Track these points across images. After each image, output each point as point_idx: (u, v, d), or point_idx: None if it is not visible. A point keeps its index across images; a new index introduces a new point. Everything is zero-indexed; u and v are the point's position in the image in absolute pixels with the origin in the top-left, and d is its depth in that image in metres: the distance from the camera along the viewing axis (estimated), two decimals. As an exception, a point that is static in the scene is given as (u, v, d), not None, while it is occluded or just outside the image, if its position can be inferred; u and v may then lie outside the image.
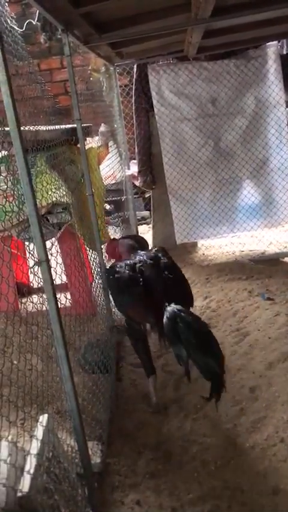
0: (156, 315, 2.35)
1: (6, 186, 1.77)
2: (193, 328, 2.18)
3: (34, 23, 4.02)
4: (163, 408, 2.64)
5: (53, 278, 1.73)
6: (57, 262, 2.38)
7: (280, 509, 1.91)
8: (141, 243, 3.01)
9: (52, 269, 1.75)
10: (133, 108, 4.90)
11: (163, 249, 2.77)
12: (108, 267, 2.84)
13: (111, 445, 2.35)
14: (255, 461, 2.16)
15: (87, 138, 3.63)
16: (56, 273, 2.02)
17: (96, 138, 4.59)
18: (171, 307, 2.27)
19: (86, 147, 3.04)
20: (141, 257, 2.65)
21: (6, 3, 2.38)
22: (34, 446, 1.67)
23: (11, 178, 1.79)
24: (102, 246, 3.14)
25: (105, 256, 3.14)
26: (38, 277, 1.75)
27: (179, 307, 2.27)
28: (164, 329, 2.28)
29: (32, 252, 1.79)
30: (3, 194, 1.76)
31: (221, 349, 2.19)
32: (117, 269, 2.63)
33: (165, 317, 2.27)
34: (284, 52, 4.89)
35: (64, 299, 3.20)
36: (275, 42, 4.58)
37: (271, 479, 2.04)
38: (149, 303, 2.44)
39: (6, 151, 1.88)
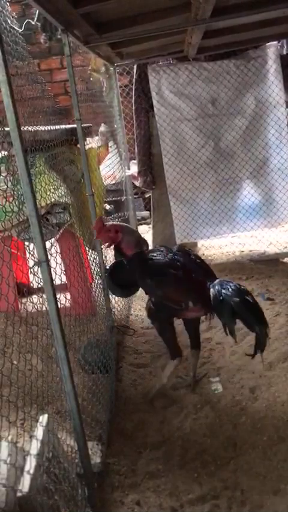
0: (199, 291, 2.55)
1: (6, 186, 1.77)
2: (241, 292, 2.44)
3: (33, 23, 4.01)
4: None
5: (53, 278, 1.73)
6: (57, 263, 2.37)
7: (280, 509, 1.91)
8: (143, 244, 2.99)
9: (52, 269, 1.75)
10: (133, 108, 4.90)
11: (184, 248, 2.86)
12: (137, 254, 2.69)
13: (111, 445, 2.35)
14: (256, 461, 2.16)
15: (87, 138, 3.63)
16: (55, 273, 2.02)
17: (96, 138, 4.59)
18: (219, 280, 2.54)
19: (86, 147, 3.04)
20: (166, 250, 2.72)
21: (7, 3, 2.38)
22: (34, 447, 1.67)
23: (11, 178, 1.79)
24: (102, 246, 3.13)
25: (94, 235, 2.86)
26: (38, 277, 1.75)
27: (225, 280, 2.55)
28: (213, 301, 2.48)
29: (32, 252, 1.79)
30: (3, 194, 1.76)
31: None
32: (149, 255, 2.68)
33: (215, 290, 2.48)
34: (284, 52, 4.89)
35: (64, 299, 3.21)
36: (275, 43, 4.58)
37: (271, 480, 2.04)
38: (191, 281, 2.60)
39: (6, 152, 1.88)
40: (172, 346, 2.74)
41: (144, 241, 2.88)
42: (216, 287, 2.50)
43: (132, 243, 2.70)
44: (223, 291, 2.45)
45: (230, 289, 2.45)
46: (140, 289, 2.88)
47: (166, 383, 2.76)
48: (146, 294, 2.77)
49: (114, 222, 2.83)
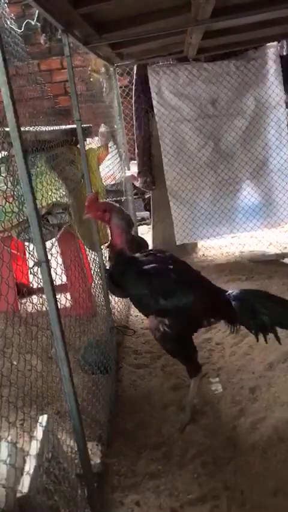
0: (223, 305, 2.47)
1: (6, 187, 1.77)
2: (268, 296, 2.45)
3: (33, 23, 4.02)
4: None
5: (53, 279, 1.73)
6: (57, 263, 2.37)
7: (280, 510, 1.90)
8: (142, 244, 2.99)
9: (52, 270, 1.75)
10: (133, 108, 4.90)
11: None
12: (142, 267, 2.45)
13: (110, 445, 2.35)
14: (255, 462, 2.16)
15: (87, 139, 3.63)
16: (55, 273, 2.02)
17: (96, 138, 4.60)
18: (237, 291, 2.48)
19: (86, 148, 3.04)
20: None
21: (6, 4, 2.38)
22: (34, 447, 1.67)
23: (11, 178, 1.79)
24: (102, 247, 3.14)
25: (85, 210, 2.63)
26: (38, 277, 1.75)
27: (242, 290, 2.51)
28: (239, 312, 2.42)
29: (31, 253, 1.79)
30: (3, 195, 1.76)
31: None
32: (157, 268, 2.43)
33: (238, 302, 2.43)
34: (284, 53, 4.89)
35: (64, 300, 3.21)
36: (275, 43, 4.58)
37: (271, 480, 2.04)
38: (212, 296, 2.52)
39: (6, 152, 1.88)
40: (193, 363, 2.53)
41: (145, 242, 2.88)
42: (242, 299, 2.44)
43: (121, 228, 2.46)
44: (255, 305, 2.41)
45: (260, 304, 2.41)
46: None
47: (195, 402, 2.61)
48: (148, 312, 2.49)
49: (107, 201, 2.71)
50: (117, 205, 2.56)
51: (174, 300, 2.37)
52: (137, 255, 2.54)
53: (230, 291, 2.52)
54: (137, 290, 2.43)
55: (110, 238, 2.52)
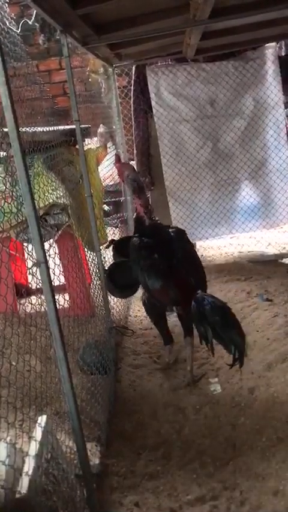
0: (185, 299, 2.63)
1: (4, 187, 1.77)
2: (218, 309, 2.51)
3: (30, 23, 4.02)
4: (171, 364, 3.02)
5: (52, 279, 1.73)
6: (55, 264, 2.37)
7: (279, 510, 1.90)
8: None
9: (51, 270, 1.75)
10: (132, 109, 4.90)
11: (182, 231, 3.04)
12: (135, 241, 2.84)
13: (110, 446, 2.35)
14: (254, 462, 2.16)
15: (86, 139, 3.63)
16: (54, 274, 2.02)
17: (95, 139, 4.60)
18: (200, 293, 2.60)
19: (85, 148, 3.04)
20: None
21: (6, 4, 2.38)
22: (33, 448, 1.66)
23: (10, 179, 1.79)
24: (101, 247, 3.14)
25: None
26: (37, 278, 1.75)
27: (206, 294, 2.65)
28: (192, 312, 2.56)
29: (30, 253, 1.79)
30: (1, 195, 1.76)
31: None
32: (143, 246, 2.78)
33: (193, 302, 2.55)
34: (283, 53, 4.90)
35: (63, 300, 3.21)
36: (273, 44, 4.59)
37: (270, 481, 2.04)
38: (179, 287, 2.71)
39: (5, 153, 1.88)
40: (164, 334, 3.04)
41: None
42: (199, 304, 2.55)
43: (133, 189, 2.90)
44: (205, 307, 2.51)
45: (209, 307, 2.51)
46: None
47: (168, 361, 3.05)
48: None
49: (126, 162, 3.21)
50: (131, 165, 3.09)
51: (149, 280, 2.74)
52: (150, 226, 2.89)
53: (199, 292, 2.62)
54: (132, 255, 2.83)
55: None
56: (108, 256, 3.41)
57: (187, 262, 2.84)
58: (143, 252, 2.78)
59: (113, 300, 3.43)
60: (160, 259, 2.74)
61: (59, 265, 2.98)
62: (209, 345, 2.51)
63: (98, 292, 3.13)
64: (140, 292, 3.19)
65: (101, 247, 3.10)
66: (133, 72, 4.80)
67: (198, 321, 2.54)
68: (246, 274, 4.38)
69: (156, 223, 2.94)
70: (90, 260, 3.12)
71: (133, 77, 4.80)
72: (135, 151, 4.96)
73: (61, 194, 3.04)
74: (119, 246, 3.22)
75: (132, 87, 4.85)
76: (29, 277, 1.97)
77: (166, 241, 2.85)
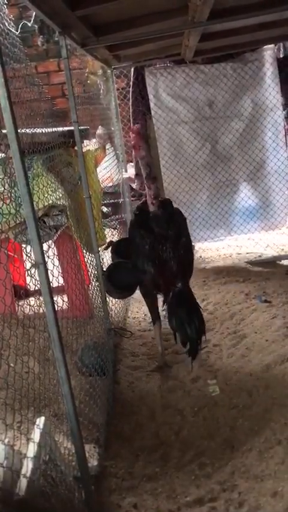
0: (165, 289, 2.86)
1: (3, 189, 1.77)
2: (183, 306, 2.74)
3: (29, 24, 4.02)
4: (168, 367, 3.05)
5: (50, 280, 1.73)
6: (54, 265, 2.37)
7: (277, 511, 1.90)
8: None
9: (49, 271, 1.75)
10: (130, 111, 4.91)
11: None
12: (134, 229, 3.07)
13: (108, 447, 2.35)
14: (253, 463, 2.15)
15: (85, 141, 3.63)
16: (53, 275, 2.02)
17: (94, 140, 4.60)
18: (179, 287, 2.81)
19: (83, 150, 3.04)
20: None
21: (5, 6, 2.38)
22: (31, 449, 1.66)
23: (8, 180, 1.79)
24: (100, 249, 3.14)
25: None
26: (35, 279, 1.75)
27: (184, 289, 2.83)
28: (168, 304, 2.80)
29: (29, 255, 1.79)
30: (0, 196, 1.76)
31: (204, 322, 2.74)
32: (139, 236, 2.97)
33: (171, 293, 2.79)
34: (281, 55, 4.91)
35: (61, 301, 3.20)
36: (271, 46, 4.60)
37: (269, 482, 2.04)
38: (161, 278, 2.89)
39: (3, 154, 1.88)
40: (152, 312, 3.14)
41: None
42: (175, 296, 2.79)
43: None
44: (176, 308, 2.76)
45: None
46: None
47: (161, 350, 3.10)
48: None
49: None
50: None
51: (142, 264, 2.93)
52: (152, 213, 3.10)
53: (178, 286, 2.83)
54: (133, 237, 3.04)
55: None
56: (106, 257, 3.41)
57: (176, 253, 2.94)
58: (138, 238, 2.98)
59: (111, 302, 3.42)
60: (151, 248, 2.91)
61: (57, 266, 2.98)
62: (176, 335, 2.72)
63: (96, 293, 3.13)
64: (138, 293, 3.20)
65: (99, 249, 3.10)
66: (132, 74, 4.80)
67: (169, 311, 2.78)
68: (245, 276, 4.38)
69: (158, 213, 3.10)
70: (88, 261, 3.12)
71: (132, 79, 4.80)
72: (133, 153, 4.96)
73: (60, 195, 3.04)
74: (117, 247, 3.23)
75: (130, 89, 4.85)
76: (28, 279, 1.96)
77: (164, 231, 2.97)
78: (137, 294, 3.26)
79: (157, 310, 3.12)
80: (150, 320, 3.26)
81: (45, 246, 2.27)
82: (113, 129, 4.86)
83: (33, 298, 2.42)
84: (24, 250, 2.58)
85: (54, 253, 2.99)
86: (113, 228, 4.87)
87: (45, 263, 1.70)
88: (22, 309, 3.35)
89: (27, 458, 1.61)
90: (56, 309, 1.76)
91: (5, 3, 2.43)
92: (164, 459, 2.28)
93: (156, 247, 2.90)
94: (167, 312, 2.82)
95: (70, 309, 3.22)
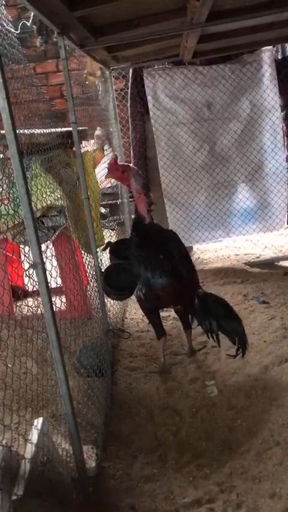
0: (186, 297, 2.84)
1: (1, 189, 1.77)
2: (221, 304, 2.80)
3: (28, 24, 4.02)
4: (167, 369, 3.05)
5: (48, 281, 1.73)
6: (52, 266, 2.37)
7: (275, 513, 1.90)
8: None
9: (47, 272, 1.75)
10: (129, 112, 4.91)
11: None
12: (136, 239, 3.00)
13: (106, 449, 2.34)
14: (251, 464, 2.15)
15: (83, 142, 3.63)
16: (51, 276, 2.02)
17: (92, 141, 4.59)
18: (201, 291, 2.86)
19: (82, 151, 3.04)
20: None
21: (3, 6, 2.38)
22: (29, 451, 1.66)
23: (6, 181, 1.79)
24: (98, 250, 3.13)
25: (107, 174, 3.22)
26: (33, 280, 1.75)
27: (207, 292, 2.89)
28: (196, 308, 2.80)
29: (27, 255, 1.78)
30: (-2, 197, 1.76)
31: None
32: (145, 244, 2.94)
33: (196, 299, 2.79)
34: (279, 57, 4.92)
35: (59, 302, 3.20)
36: (270, 47, 4.60)
37: (267, 483, 2.04)
38: (181, 286, 2.87)
39: (2, 154, 1.88)
40: (157, 327, 3.08)
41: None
42: (203, 300, 2.80)
43: (138, 188, 2.94)
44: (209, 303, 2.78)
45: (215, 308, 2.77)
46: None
47: (163, 361, 3.06)
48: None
49: (125, 163, 3.15)
50: (135, 168, 3.08)
51: (151, 277, 2.87)
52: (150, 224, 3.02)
53: (200, 290, 2.89)
54: (134, 252, 2.96)
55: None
56: (105, 258, 3.40)
57: (184, 262, 2.98)
58: (145, 250, 2.92)
59: (109, 303, 3.42)
60: (164, 258, 2.87)
61: (55, 267, 2.98)
62: (215, 336, 2.74)
63: (94, 294, 3.13)
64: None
65: (97, 250, 3.10)
66: (130, 75, 4.80)
67: (203, 315, 2.77)
68: (243, 277, 4.39)
69: (155, 224, 3.10)
70: (87, 262, 3.12)
71: (130, 80, 4.81)
72: (132, 154, 4.96)
73: (58, 196, 3.04)
74: (115, 249, 3.23)
75: (129, 90, 4.85)
76: (26, 279, 1.96)
77: (164, 241, 2.98)
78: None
79: (162, 326, 3.11)
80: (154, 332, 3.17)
81: (43, 247, 2.27)
82: (111, 130, 4.86)
83: (31, 299, 2.42)
84: (23, 250, 2.58)
85: (52, 254, 2.99)
86: (111, 229, 4.86)
87: (43, 264, 1.70)
88: (20, 309, 3.35)
89: (25, 459, 1.61)
90: (54, 309, 1.76)
91: (4, 4, 2.43)
92: (162, 460, 2.28)
93: (170, 258, 2.90)
94: (198, 318, 2.81)
95: (68, 309, 3.22)
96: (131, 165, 3.12)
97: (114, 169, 2.99)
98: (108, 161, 3.10)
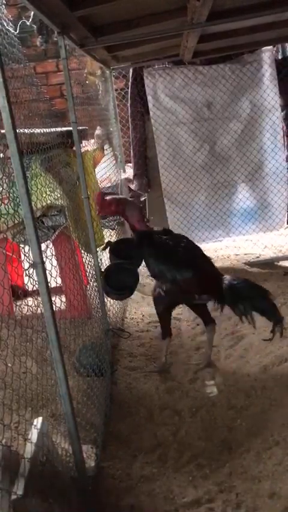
0: (214, 286, 2.86)
1: (1, 188, 1.77)
2: (250, 285, 2.89)
3: (28, 23, 4.01)
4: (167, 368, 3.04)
5: (48, 281, 1.73)
6: (52, 265, 2.37)
7: (275, 512, 1.90)
8: None
9: (47, 272, 1.75)
10: (129, 111, 4.91)
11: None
12: (146, 235, 2.90)
13: (105, 448, 2.34)
14: (250, 464, 2.16)
15: (83, 141, 3.63)
16: (51, 275, 2.02)
17: (92, 141, 4.59)
18: (227, 277, 2.90)
19: (82, 150, 3.03)
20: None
21: (3, 6, 2.38)
22: (28, 450, 1.66)
23: (7, 180, 1.79)
24: (98, 249, 3.13)
25: (96, 209, 3.02)
26: (33, 279, 1.75)
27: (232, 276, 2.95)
28: (227, 295, 2.82)
29: (27, 255, 1.78)
30: (-2, 196, 1.76)
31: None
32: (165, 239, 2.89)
33: (225, 285, 2.83)
34: (279, 57, 4.92)
35: (59, 302, 3.20)
36: (270, 47, 4.60)
37: (266, 483, 2.04)
38: (208, 276, 2.91)
39: (2, 154, 1.88)
40: (166, 328, 3.05)
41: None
42: (232, 283, 2.85)
43: (137, 216, 2.85)
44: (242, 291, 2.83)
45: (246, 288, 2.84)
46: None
47: (164, 361, 3.04)
48: (155, 277, 2.93)
49: (113, 197, 2.95)
50: (124, 196, 2.97)
51: (175, 271, 2.81)
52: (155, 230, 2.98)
53: (225, 276, 2.91)
54: (150, 251, 2.86)
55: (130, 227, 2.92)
56: (105, 258, 3.40)
57: (202, 254, 3.04)
58: (163, 247, 2.88)
59: (109, 302, 3.42)
60: (184, 251, 2.89)
61: (55, 266, 2.98)
62: (250, 318, 2.78)
63: (94, 294, 3.12)
64: (137, 295, 3.19)
65: (97, 249, 3.10)
66: (130, 75, 4.80)
67: (233, 300, 2.81)
68: (243, 277, 4.37)
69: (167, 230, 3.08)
70: (87, 262, 3.12)
71: (130, 79, 4.81)
72: (132, 154, 4.96)
73: (58, 196, 3.04)
74: (115, 248, 3.22)
75: (129, 90, 4.85)
76: (26, 279, 1.96)
77: (178, 240, 2.99)
78: (136, 294, 3.26)
79: (170, 326, 3.10)
80: (160, 332, 3.16)
81: (43, 246, 2.27)
82: (111, 129, 4.86)
83: (31, 299, 2.41)
84: (22, 250, 2.58)
85: (52, 254, 2.99)
86: (111, 229, 4.86)
87: (43, 263, 1.70)
88: (20, 309, 3.35)
89: (25, 458, 1.61)
90: (54, 309, 1.76)
91: (4, 3, 2.43)
92: (162, 460, 2.28)
93: (189, 250, 2.94)
94: (229, 302, 2.83)
95: (68, 309, 3.22)
96: (121, 196, 2.93)
97: (106, 206, 2.84)
98: (95, 197, 2.89)
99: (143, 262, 2.94)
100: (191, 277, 2.83)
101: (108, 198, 2.84)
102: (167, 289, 2.88)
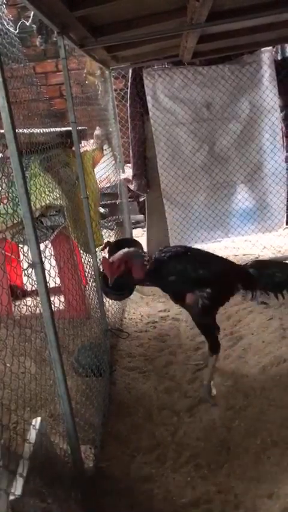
0: (244, 277, 2.84)
1: (0, 188, 1.77)
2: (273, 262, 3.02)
3: (27, 23, 4.01)
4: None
5: (47, 281, 1.73)
6: (51, 265, 2.37)
7: (273, 513, 1.90)
8: (138, 247, 3.01)
9: (46, 272, 1.75)
10: (128, 112, 4.91)
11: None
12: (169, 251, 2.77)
13: (104, 448, 2.34)
14: (249, 465, 2.16)
15: (82, 141, 3.63)
16: (49, 275, 2.02)
17: (91, 141, 4.59)
18: (248, 263, 2.90)
19: (81, 150, 3.03)
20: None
21: (3, 6, 2.38)
22: (27, 450, 1.66)
23: (6, 180, 1.79)
24: (97, 249, 3.13)
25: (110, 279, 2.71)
26: (32, 279, 1.75)
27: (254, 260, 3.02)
28: (258, 277, 2.82)
29: (26, 255, 1.78)
30: (-3, 196, 1.76)
31: None
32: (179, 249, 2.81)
33: (255, 269, 2.84)
34: (279, 58, 4.92)
35: (58, 302, 3.20)
36: (269, 48, 4.60)
37: (265, 484, 2.04)
38: (234, 267, 2.93)
39: (1, 154, 1.88)
40: (217, 341, 2.82)
41: (139, 245, 2.89)
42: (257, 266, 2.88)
43: (142, 265, 2.65)
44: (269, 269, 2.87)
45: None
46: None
47: (211, 386, 2.78)
48: (192, 289, 2.69)
49: (117, 256, 2.67)
50: (127, 249, 2.67)
51: (210, 268, 2.74)
52: (156, 254, 2.78)
53: (247, 263, 2.92)
54: (174, 270, 2.68)
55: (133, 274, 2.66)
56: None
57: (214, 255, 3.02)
58: (183, 261, 2.73)
59: (108, 302, 3.42)
60: (203, 256, 2.88)
61: (54, 266, 2.98)
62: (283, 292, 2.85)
63: (93, 294, 3.12)
64: (136, 295, 3.18)
65: (96, 249, 3.10)
66: (130, 75, 4.80)
67: (265, 282, 2.83)
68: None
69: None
70: (85, 262, 3.12)
71: (130, 80, 4.80)
72: (131, 154, 4.96)
73: (57, 196, 3.04)
74: (114, 249, 3.21)
75: (128, 90, 4.85)
76: (25, 279, 1.96)
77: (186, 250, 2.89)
78: (134, 295, 3.26)
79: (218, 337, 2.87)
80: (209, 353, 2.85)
81: (42, 246, 2.27)
82: (110, 129, 4.86)
83: (30, 299, 2.42)
84: (21, 250, 2.58)
85: (51, 254, 2.99)
86: (110, 229, 4.87)
87: (42, 263, 1.69)
88: (19, 309, 3.35)
89: (23, 459, 1.60)
90: (53, 309, 1.76)
91: (4, 3, 2.43)
92: (160, 460, 2.28)
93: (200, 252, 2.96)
94: (263, 283, 2.84)
95: (67, 309, 3.22)
96: (124, 250, 2.62)
97: (115, 270, 2.62)
98: (101, 264, 2.69)
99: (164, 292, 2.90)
100: (224, 272, 2.80)
101: (112, 260, 2.64)
102: (209, 295, 2.67)
